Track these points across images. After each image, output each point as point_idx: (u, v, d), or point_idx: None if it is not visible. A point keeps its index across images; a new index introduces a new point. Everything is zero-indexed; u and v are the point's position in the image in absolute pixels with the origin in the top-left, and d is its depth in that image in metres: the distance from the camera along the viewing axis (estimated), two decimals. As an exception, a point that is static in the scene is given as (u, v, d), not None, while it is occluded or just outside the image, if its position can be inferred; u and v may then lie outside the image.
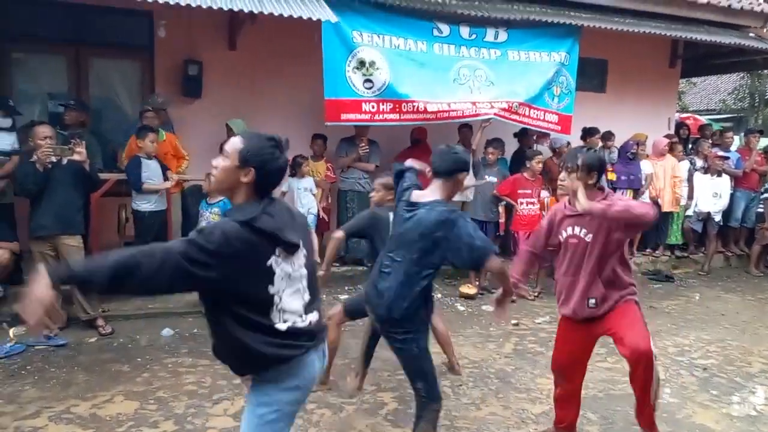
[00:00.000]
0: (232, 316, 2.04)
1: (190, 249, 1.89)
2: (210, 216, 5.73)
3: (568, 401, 3.60)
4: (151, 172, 5.69)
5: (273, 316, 2.08)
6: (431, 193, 3.06)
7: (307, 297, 2.20)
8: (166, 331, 5.32)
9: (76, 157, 5.00)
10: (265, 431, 2.17)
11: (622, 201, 3.20)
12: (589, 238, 3.22)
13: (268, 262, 2.04)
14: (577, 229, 3.27)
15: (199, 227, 2.00)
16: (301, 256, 2.18)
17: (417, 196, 3.09)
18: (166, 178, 5.82)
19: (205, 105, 6.84)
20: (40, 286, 1.78)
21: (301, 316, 2.16)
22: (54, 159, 4.92)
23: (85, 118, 6.15)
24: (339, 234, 4.00)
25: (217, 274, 1.92)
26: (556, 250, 3.47)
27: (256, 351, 2.07)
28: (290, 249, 2.11)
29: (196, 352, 4.89)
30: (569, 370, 3.51)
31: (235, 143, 2.10)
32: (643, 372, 3.15)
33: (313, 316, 2.23)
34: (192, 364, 4.66)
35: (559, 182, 3.31)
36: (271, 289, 2.06)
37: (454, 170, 3.04)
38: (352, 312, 3.99)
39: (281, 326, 2.09)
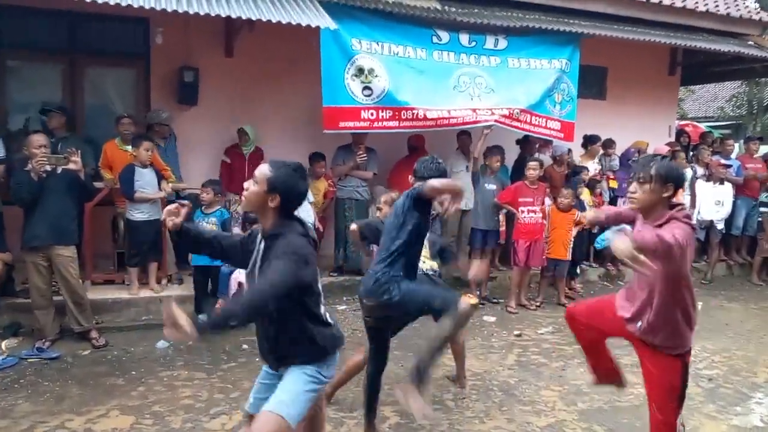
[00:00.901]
0: (303, 310, 2.51)
1: (287, 270, 2.34)
2: (207, 226, 5.66)
3: (598, 350, 3.33)
4: (144, 181, 5.61)
5: (321, 309, 2.61)
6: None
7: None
8: (161, 344, 5.21)
9: (71, 166, 4.92)
10: (307, 387, 2.55)
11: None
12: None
13: (315, 267, 2.55)
14: None
15: (284, 250, 2.38)
16: None
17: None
18: (161, 188, 5.73)
19: (201, 112, 6.77)
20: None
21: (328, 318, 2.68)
22: (49, 168, 4.84)
23: (65, 124, 6.04)
24: (354, 227, 4.00)
25: (303, 278, 2.41)
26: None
27: (321, 339, 2.57)
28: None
29: (192, 365, 4.80)
30: (592, 332, 3.25)
31: (264, 171, 2.48)
32: None
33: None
34: (188, 377, 4.56)
35: (629, 194, 2.91)
36: (318, 287, 2.59)
37: (437, 176, 3.28)
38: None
39: (326, 318, 2.62)
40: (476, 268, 3.58)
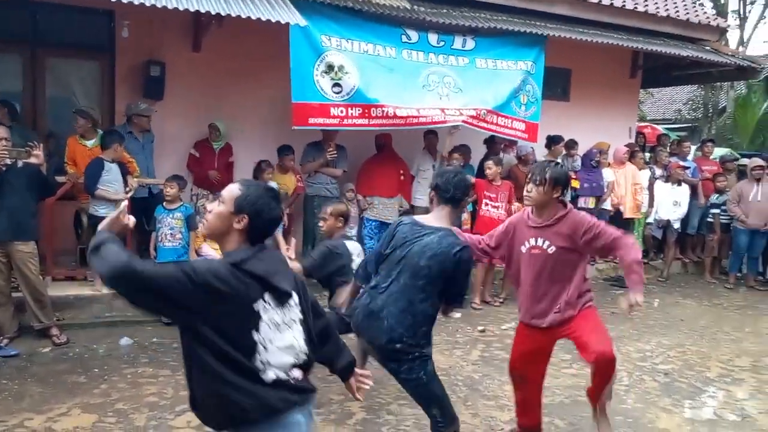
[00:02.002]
0: (214, 354, 1.92)
1: (178, 275, 1.86)
2: (172, 221, 5.60)
3: (529, 406, 3.64)
4: (111, 176, 5.52)
5: (257, 363, 1.96)
6: (437, 220, 2.97)
7: (302, 354, 2.08)
8: (125, 341, 5.15)
9: (32, 159, 4.82)
10: None
11: (629, 256, 3.25)
12: (551, 250, 3.30)
13: (255, 306, 1.98)
14: (540, 241, 3.34)
15: (188, 263, 1.95)
16: (294, 308, 2.11)
17: (422, 218, 3.03)
18: (126, 183, 5.64)
19: (168, 107, 6.66)
20: None
21: (287, 372, 2.02)
22: (9, 161, 4.73)
23: (7, 115, 5.93)
24: (298, 267, 3.81)
25: (199, 305, 1.89)
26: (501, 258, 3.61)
27: (239, 398, 1.93)
28: (280, 297, 2.05)
29: (156, 362, 4.76)
30: (529, 372, 3.57)
31: (232, 190, 2.10)
32: (605, 374, 3.29)
33: (300, 373, 2.07)
34: (152, 374, 4.52)
35: (525, 194, 3.34)
36: (256, 336, 1.96)
37: (463, 196, 3.00)
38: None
39: (265, 376, 1.97)
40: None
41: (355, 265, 3.95)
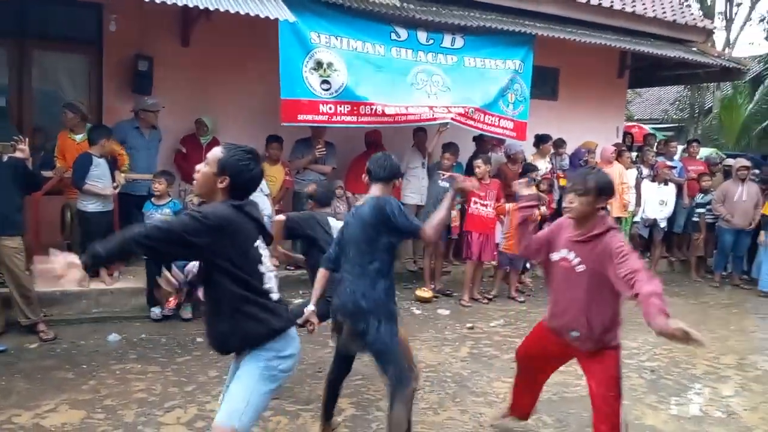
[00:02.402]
0: (237, 283, 2.35)
1: (190, 222, 2.25)
2: (161, 217, 5.56)
3: (526, 392, 3.65)
4: (100, 171, 5.48)
5: (267, 287, 2.45)
6: (369, 195, 3.30)
7: (275, 282, 2.54)
8: (113, 337, 5.12)
9: (18, 153, 4.77)
10: (261, 388, 2.43)
11: (645, 288, 2.77)
12: (580, 268, 3.07)
13: (255, 244, 2.43)
14: (571, 255, 3.11)
15: (197, 209, 2.34)
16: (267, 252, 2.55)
17: (357, 203, 3.37)
18: (113, 179, 5.60)
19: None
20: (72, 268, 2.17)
21: (279, 296, 2.52)
22: (-7, 156, 4.68)
23: None
24: (281, 217, 4.13)
25: (212, 240, 2.27)
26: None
27: (262, 315, 2.40)
28: (266, 239, 2.52)
29: (145, 358, 4.73)
30: (535, 366, 3.53)
31: (215, 153, 2.42)
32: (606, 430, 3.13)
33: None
34: (141, 370, 4.50)
35: (566, 205, 3.10)
36: (261, 268, 2.44)
37: (391, 176, 3.31)
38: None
39: (274, 296, 2.47)
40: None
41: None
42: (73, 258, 2.20)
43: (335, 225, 4.23)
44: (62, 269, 2.15)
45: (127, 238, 2.21)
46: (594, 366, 3.19)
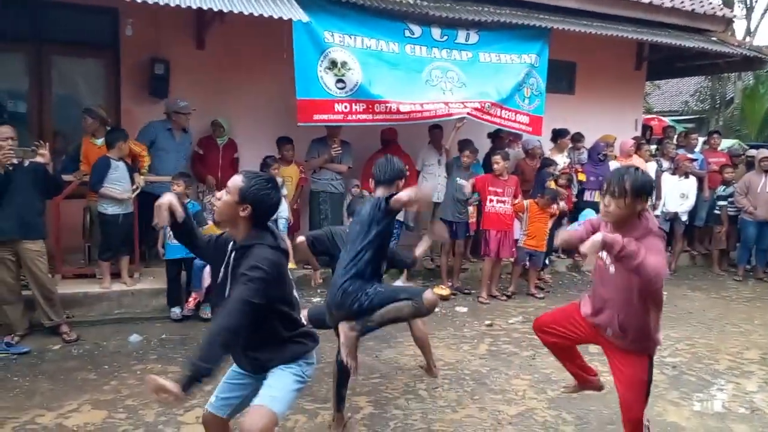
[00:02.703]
0: (277, 317, 2.54)
1: (260, 286, 2.36)
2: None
3: (567, 354, 3.46)
4: (119, 174, 5.54)
5: (299, 314, 2.69)
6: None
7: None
8: (134, 337, 5.18)
9: (39, 159, 4.85)
10: (293, 386, 2.63)
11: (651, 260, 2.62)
12: (612, 269, 2.96)
13: (289, 274, 2.63)
14: (604, 254, 2.92)
15: (252, 264, 2.37)
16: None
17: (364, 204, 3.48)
18: (133, 182, 5.66)
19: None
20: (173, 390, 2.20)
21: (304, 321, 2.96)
22: (15, 161, 4.75)
23: None
24: (301, 239, 4.13)
25: (275, 290, 2.44)
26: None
27: (295, 347, 2.63)
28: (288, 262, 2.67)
29: (165, 359, 4.79)
30: (559, 336, 3.35)
31: (236, 182, 2.49)
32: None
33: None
34: (161, 370, 4.55)
35: (602, 208, 2.88)
36: (293, 297, 2.67)
37: (393, 178, 3.41)
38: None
39: (303, 322, 2.72)
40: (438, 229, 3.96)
41: None
42: (172, 386, 2.18)
43: None
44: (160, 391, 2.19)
45: (221, 342, 2.29)
46: (624, 367, 3.06)
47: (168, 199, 2.55)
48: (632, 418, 3.05)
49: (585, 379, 3.56)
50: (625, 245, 2.58)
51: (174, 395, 2.17)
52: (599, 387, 3.61)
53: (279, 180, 6.17)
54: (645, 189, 2.81)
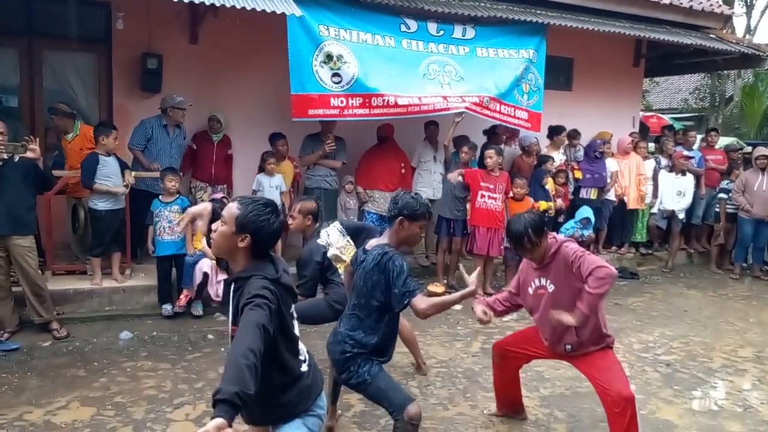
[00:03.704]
0: (274, 365, 2.22)
1: (267, 314, 2.07)
2: (170, 215, 5.59)
3: (511, 385, 3.82)
4: (109, 170, 5.50)
5: (300, 355, 2.35)
6: (380, 240, 3.11)
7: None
8: (125, 334, 5.15)
9: (29, 154, 4.81)
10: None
11: (590, 287, 3.09)
12: (551, 287, 3.33)
13: (291, 310, 2.31)
14: (543, 280, 3.37)
15: (253, 293, 2.10)
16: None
17: (370, 244, 3.12)
18: (124, 177, 5.62)
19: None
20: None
21: (305, 357, 2.41)
22: (6, 156, 4.72)
23: None
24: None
25: (275, 327, 2.13)
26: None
27: (291, 397, 2.30)
28: (295, 300, 2.41)
29: (155, 356, 4.76)
30: (519, 358, 3.74)
31: (232, 210, 2.23)
32: (628, 420, 3.16)
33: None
34: (152, 367, 4.52)
35: (528, 256, 3.42)
36: (297, 330, 2.34)
37: (394, 215, 3.01)
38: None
39: (304, 367, 2.35)
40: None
41: (331, 251, 3.91)
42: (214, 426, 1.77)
43: (321, 241, 3.99)
44: None
45: (247, 363, 1.89)
46: (594, 360, 3.36)
47: (194, 210, 2.55)
48: (623, 394, 3.17)
49: (513, 409, 3.92)
50: (582, 316, 3.10)
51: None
52: (524, 416, 3.95)
53: (278, 203, 6.12)
54: (538, 226, 3.27)
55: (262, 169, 6.46)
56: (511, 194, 6.78)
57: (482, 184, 6.55)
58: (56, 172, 5.47)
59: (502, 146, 7.44)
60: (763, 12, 20.30)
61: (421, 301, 2.78)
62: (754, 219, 7.94)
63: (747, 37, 18.41)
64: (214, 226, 2.30)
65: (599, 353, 3.35)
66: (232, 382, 1.82)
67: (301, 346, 2.39)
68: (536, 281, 3.40)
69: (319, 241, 4.01)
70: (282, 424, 2.34)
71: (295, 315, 2.35)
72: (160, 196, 5.66)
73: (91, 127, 5.92)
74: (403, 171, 7.14)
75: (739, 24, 20.31)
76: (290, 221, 4.27)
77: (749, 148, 9.79)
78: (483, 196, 6.56)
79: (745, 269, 8.38)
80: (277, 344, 2.19)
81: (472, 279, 2.91)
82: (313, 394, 2.39)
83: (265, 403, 2.25)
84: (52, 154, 6.24)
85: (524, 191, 6.78)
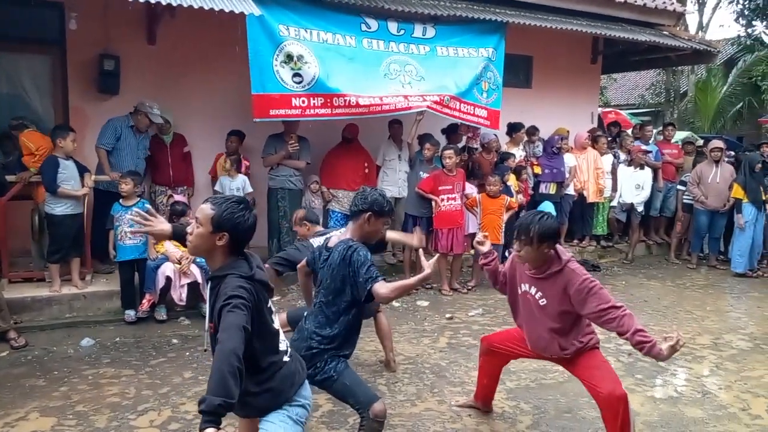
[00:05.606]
0: (252, 362, 2.24)
1: (245, 314, 2.14)
2: (131, 219, 5.47)
3: (492, 378, 3.83)
4: (69, 173, 5.37)
5: (280, 348, 2.41)
6: (342, 235, 3.12)
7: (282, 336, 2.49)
8: (86, 341, 5.04)
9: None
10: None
11: (627, 327, 3.04)
12: (543, 302, 3.27)
13: (269, 305, 2.37)
14: (533, 290, 3.31)
15: (230, 294, 2.16)
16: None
17: (332, 241, 3.12)
18: (83, 181, 5.50)
19: (124, 101, 6.42)
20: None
21: (286, 348, 2.48)
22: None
23: None
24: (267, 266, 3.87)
25: (253, 323, 2.20)
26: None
27: (278, 383, 2.37)
28: (271, 294, 2.42)
29: (118, 362, 4.66)
30: (503, 355, 3.72)
31: (206, 211, 2.28)
32: (621, 416, 3.15)
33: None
34: (114, 374, 4.43)
35: (515, 252, 3.31)
36: (276, 325, 2.40)
37: (362, 210, 3.02)
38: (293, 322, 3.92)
39: (285, 358, 2.43)
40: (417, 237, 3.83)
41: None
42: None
43: (315, 242, 4.02)
44: None
45: (230, 369, 1.98)
46: (580, 361, 3.33)
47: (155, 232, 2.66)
48: (616, 393, 3.14)
49: (484, 402, 3.94)
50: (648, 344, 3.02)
51: None
52: (490, 410, 3.97)
53: (249, 199, 6.10)
54: (547, 234, 3.14)
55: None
56: (486, 191, 6.87)
57: (441, 187, 6.62)
58: (10, 178, 5.31)
59: (462, 144, 7.51)
60: (714, 9, 20.93)
61: (382, 287, 2.79)
62: (709, 210, 8.19)
63: (699, 33, 18.97)
64: (189, 229, 2.35)
65: (586, 354, 3.33)
66: (216, 392, 1.93)
67: (282, 338, 2.44)
68: (525, 286, 3.35)
69: (314, 241, 4.10)
70: (266, 415, 2.40)
71: (273, 309, 2.41)
72: (121, 200, 5.55)
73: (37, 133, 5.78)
74: (366, 170, 7.15)
75: (692, 21, 20.88)
76: (297, 229, 4.59)
77: (701, 141, 10.09)
78: (443, 199, 6.64)
79: (701, 259, 8.63)
80: (256, 338, 2.24)
81: (429, 263, 2.89)
82: (296, 382, 2.45)
83: (248, 394, 2.30)
84: (7, 159, 6.05)
85: (498, 188, 6.83)
